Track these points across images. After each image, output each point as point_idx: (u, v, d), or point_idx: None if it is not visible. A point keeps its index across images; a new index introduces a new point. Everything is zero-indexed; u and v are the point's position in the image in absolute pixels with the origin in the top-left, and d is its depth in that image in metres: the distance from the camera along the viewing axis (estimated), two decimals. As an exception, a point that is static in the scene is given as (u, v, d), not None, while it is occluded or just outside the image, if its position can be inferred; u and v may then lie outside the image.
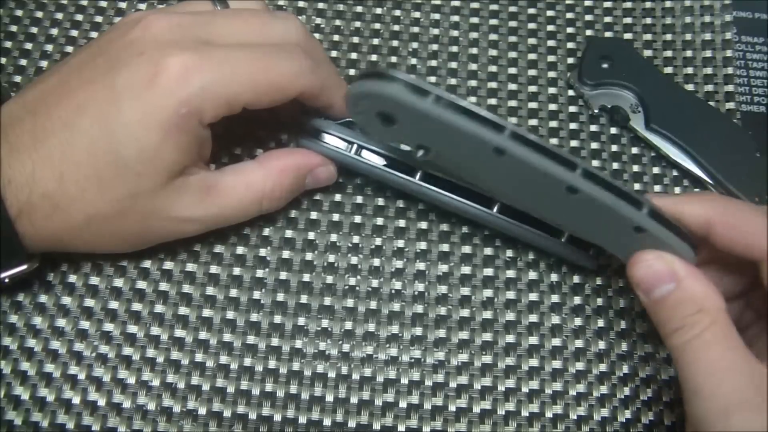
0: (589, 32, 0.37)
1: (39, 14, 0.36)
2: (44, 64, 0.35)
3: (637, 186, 0.34)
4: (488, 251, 0.32)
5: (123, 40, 0.27)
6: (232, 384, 0.29)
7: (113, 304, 0.30)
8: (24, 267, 0.28)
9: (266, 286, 0.31)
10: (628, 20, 0.37)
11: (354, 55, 0.36)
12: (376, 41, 0.37)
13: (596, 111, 0.35)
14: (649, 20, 0.37)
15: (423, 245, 0.32)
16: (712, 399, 0.22)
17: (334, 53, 0.36)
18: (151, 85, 0.26)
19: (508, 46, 0.37)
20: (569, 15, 0.38)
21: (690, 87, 0.36)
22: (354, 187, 0.33)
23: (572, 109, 0.35)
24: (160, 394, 0.29)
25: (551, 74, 0.36)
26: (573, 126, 0.35)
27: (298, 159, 0.30)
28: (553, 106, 0.35)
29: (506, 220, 0.30)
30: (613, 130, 0.35)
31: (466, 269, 0.32)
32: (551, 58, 0.36)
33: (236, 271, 0.31)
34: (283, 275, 0.31)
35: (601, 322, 0.31)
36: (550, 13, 0.38)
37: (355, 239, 0.32)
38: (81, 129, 0.26)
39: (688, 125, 0.34)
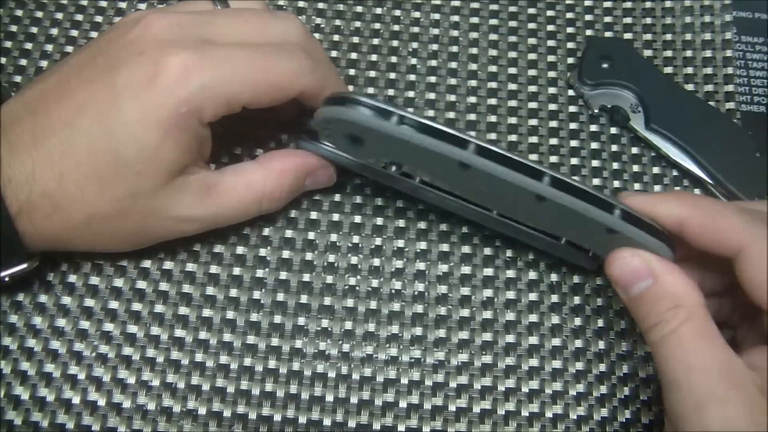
0: (589, 32, 0.37)
1: (39, 14, 0.36)
2: (44, 64, 0.35)
3: (637, 186, 0.34)
4: (488, 251, 0.32)
5: (123, 39, 0.27)
6: (232, 384, 0.29)
7: (113, 304, 0.30)
8: (24, 266, 0.28)
9: (266, 286, 0.31)
10: (628, 20, 0.37)
11: (354, 55, 0.36)
12: (376, 41, 0.37)
13: (596, 111, 0.35)
14: (649, 20, 0.37)
15: (423, 245, 0.32)
16: (687, 393, 0.22)
17: (334, 53, 0.36)
18: (151, 84, 0.26)
19: (508, 46, 0.37)
20: (569, 15, 0.38)
21: (690, 87, 0.36)
22: (354, 187, 0.33)
23: (572, 109, 0.35)
24: (160, 394, 0.29)
25: (551, 74, 0.36)
26: (573, 126, 0.35)
27: (298, 160, 0.30)
28: (553, 106, 0.35)
29: (506, 221, 0.30)
30: (613, 130, 0.35)
31: (466, 269, 0.32)
32: (551, 58, 0.36)
33: (236, 271, 0.31)
34: (283, 275, 0.31)
35: (600, 322, 0.31)
36: (550, 13, 0.38)
37: (355, 239, 0.32)
38: (81, 128, 0.26)
39: (688, 125, 0.34)
